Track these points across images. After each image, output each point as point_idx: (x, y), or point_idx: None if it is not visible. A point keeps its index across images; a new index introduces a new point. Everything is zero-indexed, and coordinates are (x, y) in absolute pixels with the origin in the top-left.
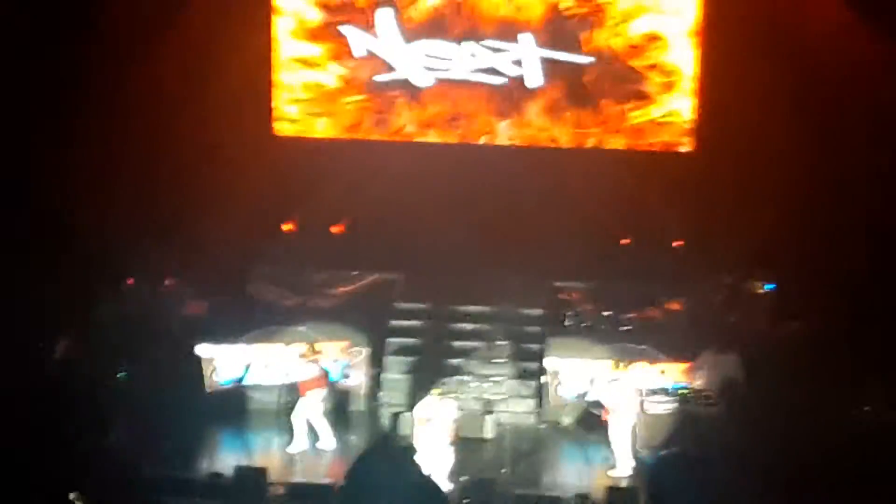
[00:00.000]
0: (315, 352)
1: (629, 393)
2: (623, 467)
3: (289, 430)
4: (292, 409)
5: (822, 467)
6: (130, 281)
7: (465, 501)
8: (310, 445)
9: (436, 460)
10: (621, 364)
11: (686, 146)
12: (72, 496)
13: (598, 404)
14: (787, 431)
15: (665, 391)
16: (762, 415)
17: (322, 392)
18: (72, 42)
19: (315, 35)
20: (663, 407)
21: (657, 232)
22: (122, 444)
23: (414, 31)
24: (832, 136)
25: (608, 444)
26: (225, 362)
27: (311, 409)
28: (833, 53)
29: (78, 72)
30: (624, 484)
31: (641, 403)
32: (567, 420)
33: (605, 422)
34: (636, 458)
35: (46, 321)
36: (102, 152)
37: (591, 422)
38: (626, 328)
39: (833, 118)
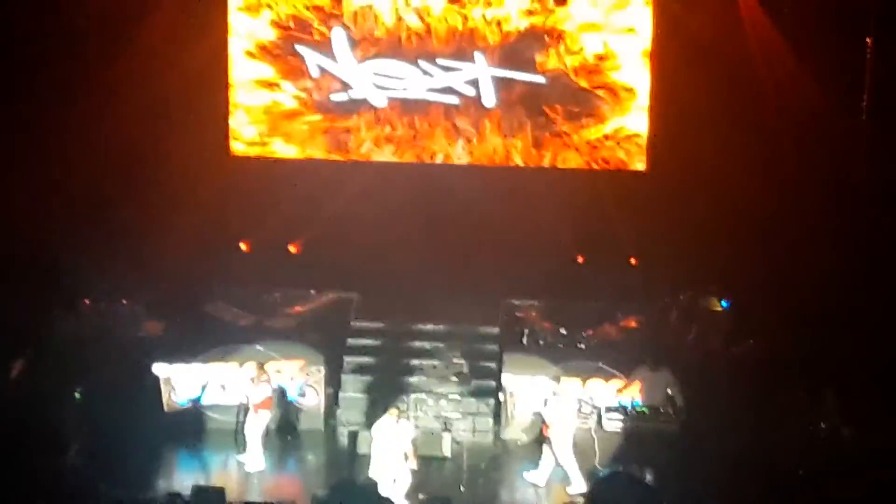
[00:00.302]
0: (264, 372)
1: (566, 408)
2: (578, 483)
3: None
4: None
5: (778, 484)
6: (87, 301)
7: None
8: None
9: (394, 480)
10: (561, 379)
11: (641, 164)
12: None
13: None
14: (743, 448)
15: (622, 408)
16: (719, 432)
17: (269, 413)
18: (25, 60)
19: (271, 55)
20: (621, 424)
21: (613, 250)
22: (79, 464)
23: (370, 51)
24: (786, 155)
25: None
26: (182, 382)
27: (258, 429)
28: (786, 73)
29: (31, 90)
30: (580, 501)
31: (599, 420)
32: (524, 437)
33: (547, 437)
34: (592, 474)
35: (2, 341)
36: (59, 171)
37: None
38: (582, 346)
39: (787, 137)
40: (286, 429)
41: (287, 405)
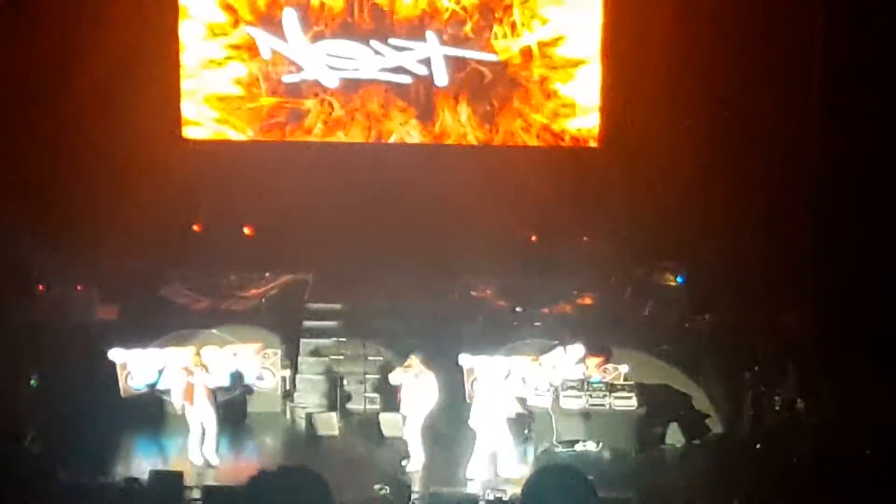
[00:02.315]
0: (201, 359)
1: (424, 384)
2: (416, 460)
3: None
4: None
5: (733, 457)
6: (41, 287)
7: (382, 492)
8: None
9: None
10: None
11: (594, 142)
12: None
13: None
14: (698, 423)
15: (580, 385)
16: (675, 407)
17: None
18: None
19: (222, 37)
20: (578, 402)
21: (568, 227)
22: (35, 450)
23: (321, 31)
24: (738, 129)
25: (522, 440)
26: (138, 367)
27: (203, 417)
28: (740, 48)
29: None
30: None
31: (557, 398)
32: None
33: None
34: (549, 451)
35: None
36: (13, 157)
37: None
38: (538, 323)
39: (739, 111)
40: (243, 412)
41: (245, 388)
